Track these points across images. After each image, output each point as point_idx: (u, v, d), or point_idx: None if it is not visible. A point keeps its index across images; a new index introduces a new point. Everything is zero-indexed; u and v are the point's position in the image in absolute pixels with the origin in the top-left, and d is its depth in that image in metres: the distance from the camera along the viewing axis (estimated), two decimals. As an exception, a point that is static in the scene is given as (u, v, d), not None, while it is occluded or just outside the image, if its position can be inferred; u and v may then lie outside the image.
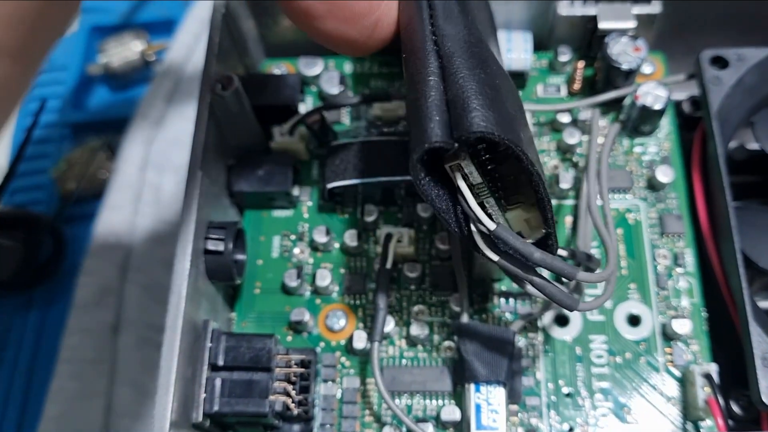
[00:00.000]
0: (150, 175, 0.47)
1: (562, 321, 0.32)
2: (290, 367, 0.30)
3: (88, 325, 0.43)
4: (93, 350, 0.42)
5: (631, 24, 0.35)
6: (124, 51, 0.51)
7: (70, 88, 0.52)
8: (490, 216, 0.24)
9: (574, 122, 0.35)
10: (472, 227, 0.24)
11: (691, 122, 0.37)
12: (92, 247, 0.44)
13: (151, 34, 0.53)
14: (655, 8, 0.35)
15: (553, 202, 0.34)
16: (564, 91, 0.37)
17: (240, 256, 0.32)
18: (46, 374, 0.42)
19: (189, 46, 0.51)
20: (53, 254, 0.46)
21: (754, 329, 0.29)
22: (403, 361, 0.32)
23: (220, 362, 0.28)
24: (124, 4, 0.55)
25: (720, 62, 0.34)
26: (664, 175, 0.34)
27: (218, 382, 0.28)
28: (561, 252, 0.28)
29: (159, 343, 0.41)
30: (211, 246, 0.30)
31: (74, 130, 0.51)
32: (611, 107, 0.36)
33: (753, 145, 0.37)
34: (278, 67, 0.38)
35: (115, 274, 0.44)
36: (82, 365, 0.42)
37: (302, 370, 0.30)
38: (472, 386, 0.29)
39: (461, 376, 0.30)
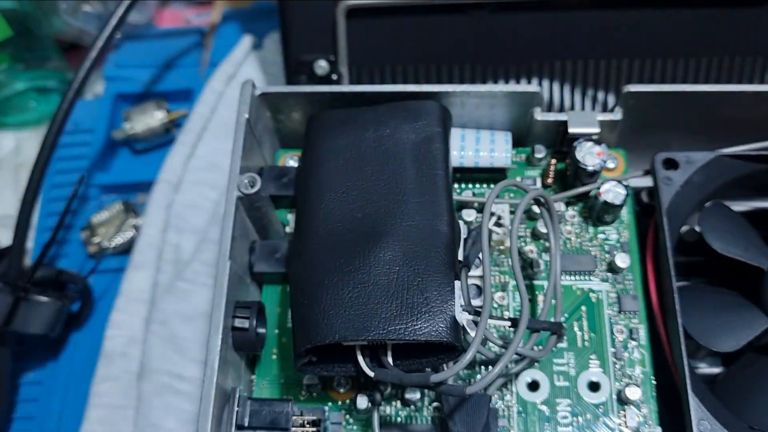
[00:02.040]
0: (170, 236, 0.52)
1: (533, 386, 0.38)
2: (304, 426, 0.35)
3: (116, 374, 0.48)
4: (120, 397, 0.47)
5: (596, 129, 0.41)
6: (147, 119, 0.56)
7: (96, 151, 0.57)
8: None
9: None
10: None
11: (648, 209, 0.43)
12: (119, 303, 0.50)
13: (170, 102, 0.58)
14: (616, 116, 0.41)
15: (526, 282, 0.40)
16: (539, 183, 0.43)
17: (261, 330, 0.38)
18: (77, 419, 0.47)
19: (205, 116, 0.56)
20: (82, 308, 0.51)
21: (693, 399, 0.35)
22: (398, 419, 0.37)
23: (246, 423, 0.34)
24: (146, 74, 0.60)
25: (671, 164, 0.40)
26: (622, 261, 0.40)
27: (244, 440, 0.34)
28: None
29: (178, 390, 0.46)
30: (238, 324, 0.35)
31: (100, 191, 0.56)
32: (579, 199, 0.42)
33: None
34: (291, 158, 0.43)
35: (140, 327, 0.49)
36: (109, 411, 0.47)
37: (314, 429, 0.35)
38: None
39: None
